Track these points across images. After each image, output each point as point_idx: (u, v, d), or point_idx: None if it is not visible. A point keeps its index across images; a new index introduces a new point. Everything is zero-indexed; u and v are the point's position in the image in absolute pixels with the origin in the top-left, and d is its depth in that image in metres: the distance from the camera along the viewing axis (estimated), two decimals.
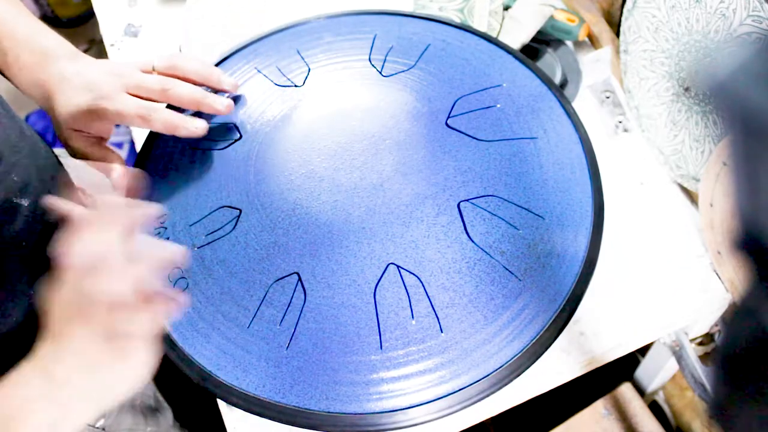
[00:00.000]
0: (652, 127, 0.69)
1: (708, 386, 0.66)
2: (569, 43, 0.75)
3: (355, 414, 0.47)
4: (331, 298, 0.49)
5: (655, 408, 0.93)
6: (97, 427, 0.59)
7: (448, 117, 0.57)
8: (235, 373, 0.49)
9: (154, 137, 0.61)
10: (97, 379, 0.38)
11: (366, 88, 0.60)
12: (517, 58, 0.62)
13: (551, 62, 0.73)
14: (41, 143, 0.55)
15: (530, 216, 0.52)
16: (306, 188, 0.53)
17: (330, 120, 0.57)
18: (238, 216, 0.54)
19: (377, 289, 0.49)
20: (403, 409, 0.46)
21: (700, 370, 0.67)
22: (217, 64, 0.65)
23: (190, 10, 0.81)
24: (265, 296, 0.50)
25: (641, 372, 0.86)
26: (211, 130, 0.59)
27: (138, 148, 0.65)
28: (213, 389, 0.48)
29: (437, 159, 0.54)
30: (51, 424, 0.38)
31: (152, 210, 0.40)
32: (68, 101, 0.51)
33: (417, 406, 0.47)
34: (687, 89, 0.63)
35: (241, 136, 0.58)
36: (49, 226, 0.50)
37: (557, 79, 0.72)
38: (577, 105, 0.71)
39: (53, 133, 1.47)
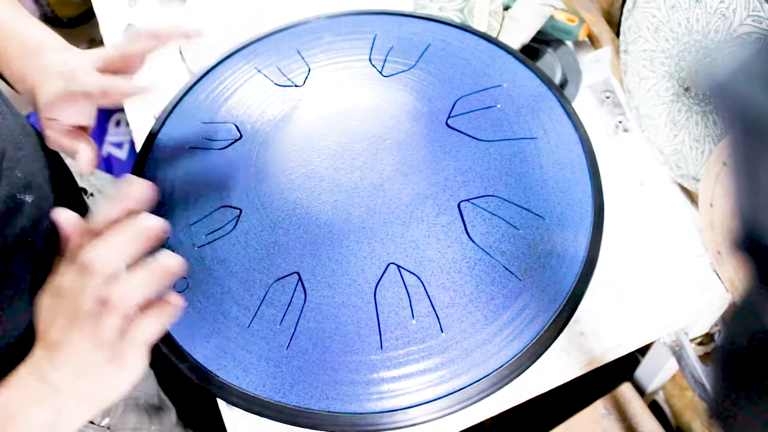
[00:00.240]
0: (652, 127, 0.69)
1: (708, 386, 0.66)
2: (569, 43, 0.75)
3: (356, 413, 0.47)
4: (332, 297, 0.49)
5: (655, 408, 0.93)
6: (102, 426, 0.59)
7: (449, 117, 0.57)
8: (236, 372, 0.49)
9: (154, 137, 0.61)
10: (92, 383, 0.39)
11: (366, 88, 0.60)
12: (517, 58, 0.62)
13: (551, 62, 0.73)
14: (44, 141, 0.55)
15: (530, 216, 0.52)
16: (306, 188, 0.53)
17: (330, 120, 0.57)
18: (239, 216, 0.54)
19: (377, 289, 0.49)
20: (403, 408, 0.47)
21: (700, 370, 0.67)
22: (217, 64, 0.65)
23: (190, 10, 0.81)
24: (265, 296, 0.50)
25: (641, 372, 0.86)
26: (211, 130, 0.60)
27: (138, 148, 0.65)
28: (213, 389, 0.48)
29: (437, 159, 0.54)
30: (48, 425, 0.38)
31: (156, 223, 0.40)
32: (46, 90, 0.51)
33: (417, 405, 0.47)
34: (687, 89, 0.63)
35: (241, 136, 0.58)
36: (52, 223, 0.51)
37: (557, 79, 0.72)
38: (577, 105, 0.71)
39: None
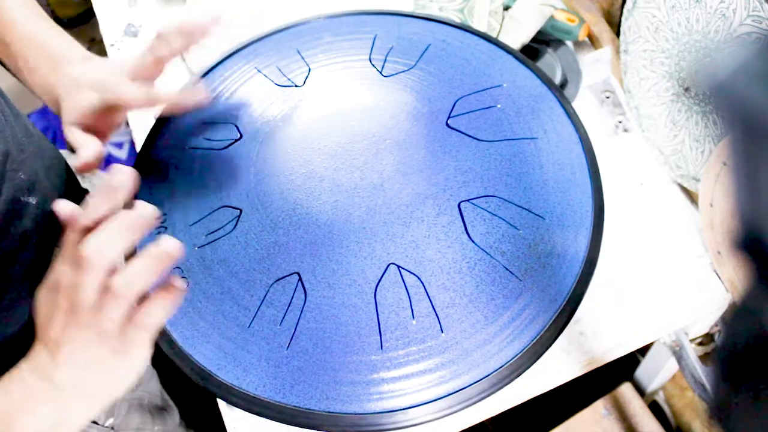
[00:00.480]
0: (652, 127, 0.69)
1: (708, 386, 0.66)
2: (569, 43, 0.75)
3: (356, 414, 0.47)
4: (332, 298, 0.49)
5: (655, 408, 0.93)
6: (106, 426, 0.59)
7: (449, 117, 0.57)
8: (236, 372, 0.49)
9: (154, 137, 0.61)
10: (97, 377, 0.38)
11: (366, 88, 0.60)
12: (517, 58, 0.62)
13: (551, 62, 0.73)
14: (47, 142, 0.55)
15: (530, 216, 0.52)
16: (306, 188, 0.53)
17: (330, 120, 0.57)
18: (239, 216, 0.54)
19: (378, 289, 0.49)
20: (404, 409, 0.47)
21: (700, 370, 0.67)
22: (217, 64, 0.65)
23: (190, 10, 0.81)
24: (265, 296, 0.50)
25: (641, 372, 0.86)
26: (211, 130, 0.60)
27: (138, 148, 0.65)
28: (213, 389, 0.48)
29: (438, 159, 0.54)
30: (52, 425, 0.38)
31: (149, 211, 0.40)
32: (79, 102, 0.51)
33: (417, 406, 0.47)
34: (687, 89, 0.63)
35: (241, 136, 0.58)
36: (57, 224, 0.51)
37: (557, 79, 0.72)
38: (577, 105, 0.71)
39: (53, 132, 1.48)
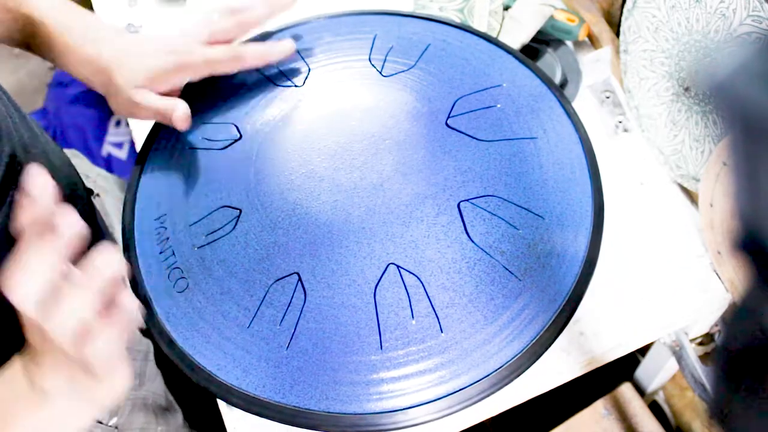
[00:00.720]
0: (652, 127, 0.69)
1: (708, 386, 0.66)
2: (569, 43, 0.75)
3: (355, 414, 0.47)
4: (331, 298, 0.49)
5: (655, 408, 0.93)
6: (110, 426, 0.59)
7: (448, 117, 0.57)
8: (235, 373, 0.49)
9: (154, 137, 0.61)
10: (81, 396, 0.38)
11: (366, 88, 0.60)
12: (517, 58, 0.62)
13: (551, 62, 0.73)
14: (52, 143, 0.55)
15: (530, 216, 0.52)
16: (306, 188, 0.53)
17: (330, 120, 0.57)
18: (238, 216, 0.54)
19: (377, 289, 0.49)
20: (403, 409, 0.46)
21: (700, 370, 0.67)
22: None
23: (190, 10, 0.81)
24: (265, 296, 0.50)
25: (641, 372, 0.86)
26: (211, 130, 0.59)
27: (138, 148, 0.65)
28: (213, 389, 0.48)
29: (437, 159, 0.54)
30: (44, 428, 0.38)
31: (75, 223, 0.36)
32: (146, 66, 0.53)
33: (417, 406, 0.47)
34: (687, 89, 0.63)
35: (241, 136, 0.58)
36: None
37: (557, 79, 0.72)
38: (577, 105, 0.71)
39: (53, 132, 1.48)
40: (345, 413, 0.47)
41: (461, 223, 0.51)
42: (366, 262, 0.50)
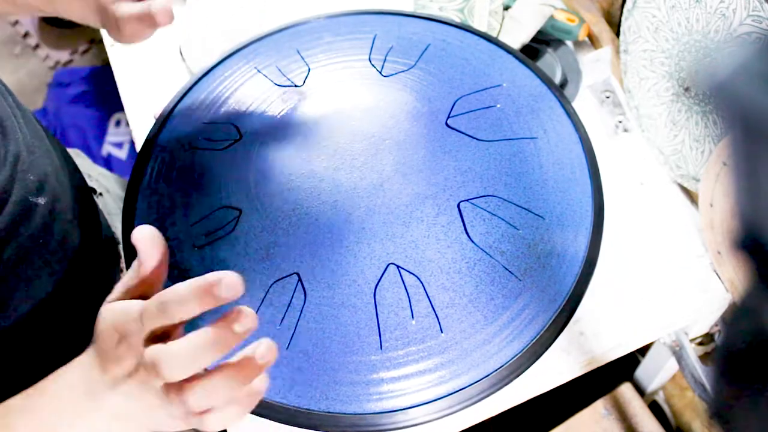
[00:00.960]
0: (652, 127, 0.69)
1: (708, 386, 0.66)
2: (569, 43, 0.75)
3: (355, 414, 0.47)
4: (331, 298, 0.49)
5: (655, 408, 0.93)
6: None
7: (448, 117, 0.57)
8: None
9: (154, 137, 0.61)
10: (146, 421, 0.36)
11: (366, 88, 0.60)
12: (517, 58, 0.62)
13: (551, 62, 0.73)
14: (56, 142, 0.55)
15: (530, 216, 0.52)
16: (306, 188, 0.53)
17: (330, 120, 0.57)
18: (238, 216, 0.54)
19: (377, 289, 0.49)
20: (403, 409, 0.46)
21: (700, 370, 0.67)
22: (217, 64, 0.65)
23: (190, 10, 0.81)
24: (265, 296, 0.50)
25: (641, 372, 0.86)
26: (211, 130, 0.59)
27: (138, 148, 0.65)
28: None
29: (437, 159, 0.54)
30: None
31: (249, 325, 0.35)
32: None
33: (417, 406, 0.47)
34: (687, 89, 0.63)
35: (241, 136, 0.58)
36: (65, 224, 0.51)
37: (557, 79, 0.72)
38: (577, 105, 0.71)
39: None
40: (345, 413, 0.47)
41: (461, 223, 0.51)
42: (366, 262, 0.50)
